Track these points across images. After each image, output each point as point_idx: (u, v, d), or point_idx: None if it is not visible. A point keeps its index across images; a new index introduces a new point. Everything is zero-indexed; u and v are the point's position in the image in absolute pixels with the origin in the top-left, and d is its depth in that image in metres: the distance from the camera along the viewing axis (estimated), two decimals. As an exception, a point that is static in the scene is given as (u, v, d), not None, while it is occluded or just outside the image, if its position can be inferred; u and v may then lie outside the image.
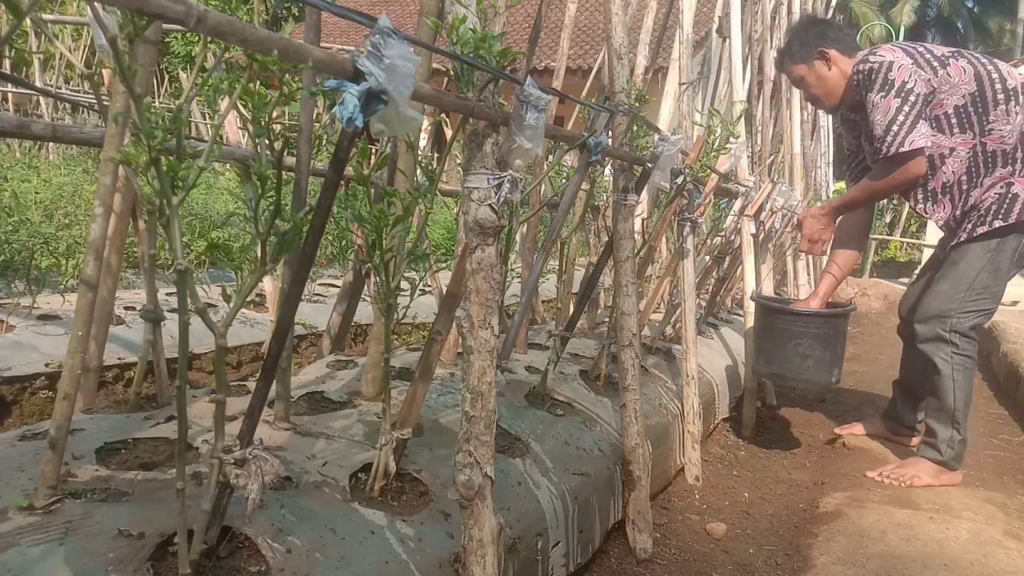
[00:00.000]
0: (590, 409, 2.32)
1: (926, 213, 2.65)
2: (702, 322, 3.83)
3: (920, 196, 2.63)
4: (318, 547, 1.24)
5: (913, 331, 2.71)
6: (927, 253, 7.62)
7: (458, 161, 1.57)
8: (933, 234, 8.75)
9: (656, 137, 2.29)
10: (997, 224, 2.46)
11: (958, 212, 2.57)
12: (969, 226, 2.52)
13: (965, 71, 2.45)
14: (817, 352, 2.72)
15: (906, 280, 9.07)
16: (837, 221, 2.86)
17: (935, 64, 2.46)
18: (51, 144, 7.44)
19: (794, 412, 3.78)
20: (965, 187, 2.53)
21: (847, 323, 2.87)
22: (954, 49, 2.53)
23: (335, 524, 1.31)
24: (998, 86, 2.45)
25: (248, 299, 3.02)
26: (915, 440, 3.04)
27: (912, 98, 2.38)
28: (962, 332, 2.53)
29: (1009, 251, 2.49)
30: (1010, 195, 2.46)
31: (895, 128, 2.37)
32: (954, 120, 2.47)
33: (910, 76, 2.40)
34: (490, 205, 1.28)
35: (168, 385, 1.82)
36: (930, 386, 2.66)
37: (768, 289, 4.20)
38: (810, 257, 5.53)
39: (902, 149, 2.37)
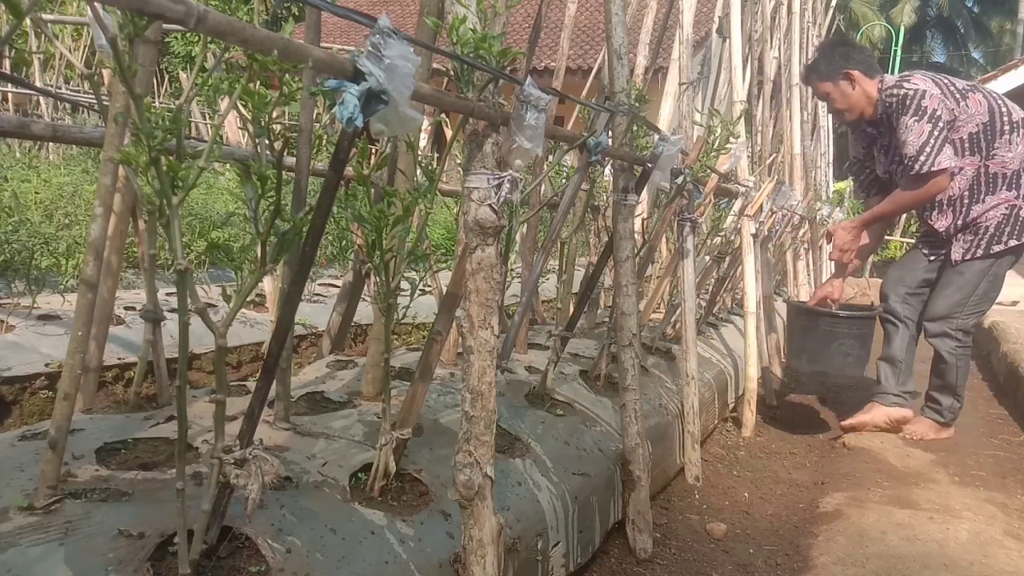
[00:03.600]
0: (590, 409, 2.31)
1: (931, 220, 3.02)
2: (702, 322, 3.83)
3: (928, 206, 2.99)
4: (318, 547, 1.24)
5: (901, 317, 3.20)
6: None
7: (458, 161, 1.57)
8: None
9: (656, 137, 2.29)
10: (1012, 243, 2.88)
11: (959, 222, 2.96)
12: (983, 243, 2.91)
13: (981, 103, 2.83)
14: (856, 350, 3.11)
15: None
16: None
17: (957, 96, 2.82)
18: (51, 144, 7.44)
19: (794, 412, 3.78)
20: (967, 202, 2.92)
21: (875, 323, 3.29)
22: (971, 84, 2.93)
23: (335, 524, 1.31)
24: (1006, 119, 2.84)
25: (248, 299, 3.01)
26: (902, 412, 3.24)
27: (940, 124, 2.74)
28: (965, 330, 3.00)
29: (1007, 264, 2.96)
30: (1016, 216, 2.87)
31: (928, 150, 2.73)
32: (967, 144, 2.84)
33: (939, 104, 2.75)
34: (490, 205, 1.28)
35: (168, 385, 1.81)
36: (935, 369, 3.12)
37: (768, 291, 4.21)
38: (810, 257, 5.55)
39: (933, 168, 2.74)
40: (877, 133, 3.05)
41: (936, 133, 2.72)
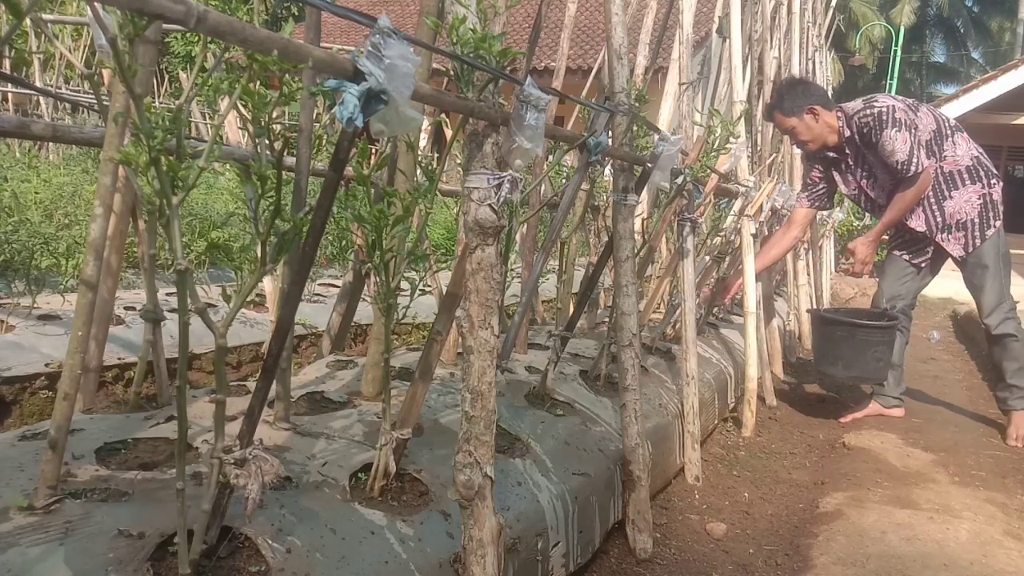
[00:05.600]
0: (590, 409, 2.31)
1: (907, 222, 3.32)
2: (702, 322, 3.83)
3: None
4: (318, 547, 1.24)
5: (899, 326, 3.50)
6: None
7: (458, 161, 1.57)
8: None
9: (656, 137, 2.29)
10: (997, 223, 3.27)
11: (938, 220, 3.30)
12: (976, 232, 3.25)
13: (928, 115, 3.22)
14: (886, 355, 3.42)
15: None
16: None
17: (913, 109, 3.20)
18: (51, 144, 7.43)
19: (794, 412, 3.78)
20: (933, 201, 3.27)
21: None
22: (915, 100, 3.33)
23: (335, 524, 1.31)
24: (945, 125, 3.25)
25: (248, 299, 3.01)
26: (899, 412, 3.59)
27: (915, 131, 3.13)
28: (1012, 306, 3.29)
29: (1002, 239, 3.30)
30: (991, 202, 3.24)
31: (915, 152, 3.11)
32: (925, 149, 3.18)
33: (906, 115, 3.13)
34: (490, 205, 1.28)
35: (168, 385, 1.81)
36: (1009, 356, 3.28)
37: (768, 291, 4.20)
38: (810, 256, 5.55)
39: (924, 166, 3.12)
40: (840, 156, 3.40)
41: (913, 139, 3.10)
